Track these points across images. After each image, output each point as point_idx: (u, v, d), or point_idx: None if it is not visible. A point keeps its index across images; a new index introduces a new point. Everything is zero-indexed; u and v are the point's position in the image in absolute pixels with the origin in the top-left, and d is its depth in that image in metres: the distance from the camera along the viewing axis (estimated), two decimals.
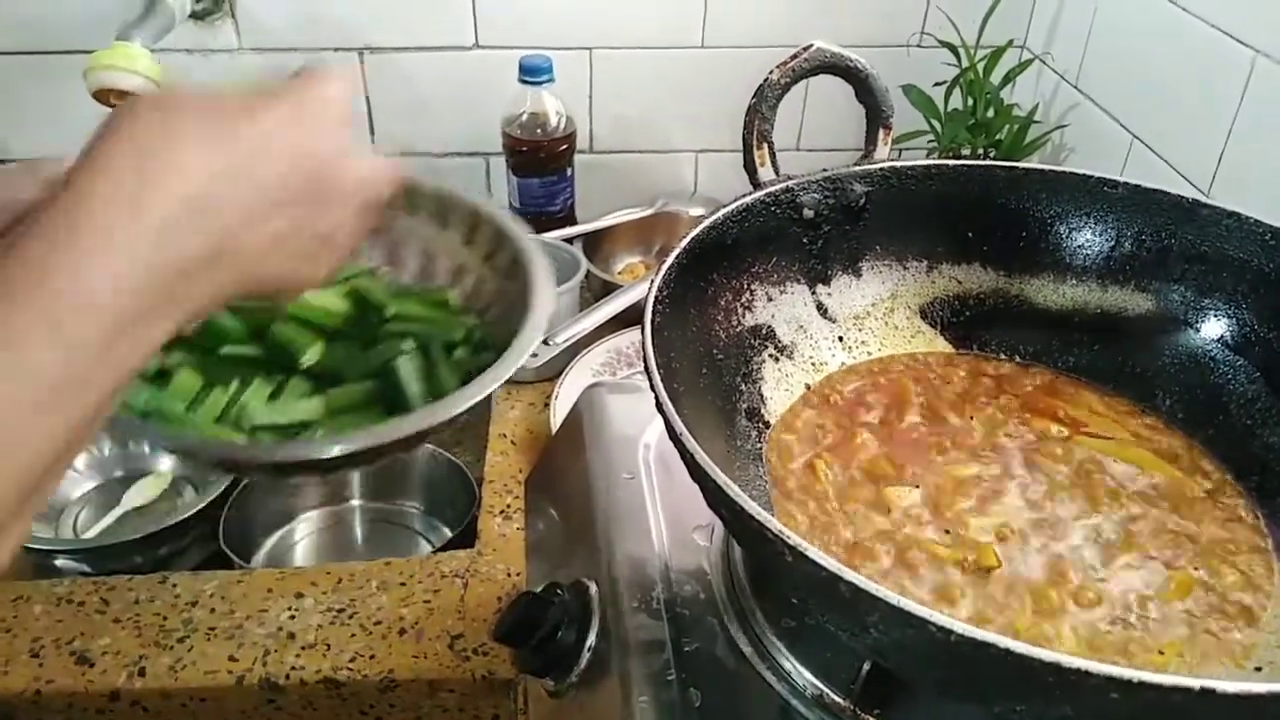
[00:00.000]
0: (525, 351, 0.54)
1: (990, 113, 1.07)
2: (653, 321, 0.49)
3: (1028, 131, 1.08)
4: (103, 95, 0.92)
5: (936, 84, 1.12)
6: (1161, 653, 0.48)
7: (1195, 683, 0.31)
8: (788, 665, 0.50)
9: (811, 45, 0.60)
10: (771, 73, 0.60)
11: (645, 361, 0.47)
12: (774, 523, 0.37)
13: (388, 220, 0.53)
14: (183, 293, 0.36)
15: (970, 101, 1.08)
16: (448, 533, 0.98)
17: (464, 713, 0.75)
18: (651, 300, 0.51)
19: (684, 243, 0.55)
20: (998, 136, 1.08)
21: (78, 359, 0.33)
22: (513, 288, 0.59)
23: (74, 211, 0.34)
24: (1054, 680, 0.32)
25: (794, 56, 0.60)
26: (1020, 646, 0.32)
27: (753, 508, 0.38)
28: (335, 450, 0.48)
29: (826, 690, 0.49)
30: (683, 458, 0.43)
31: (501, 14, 1.12)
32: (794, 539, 0.36)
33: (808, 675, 0.50)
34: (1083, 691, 0.32)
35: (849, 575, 0.34)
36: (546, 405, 0.98)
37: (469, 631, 0.75)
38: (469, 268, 0.63)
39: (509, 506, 0.87)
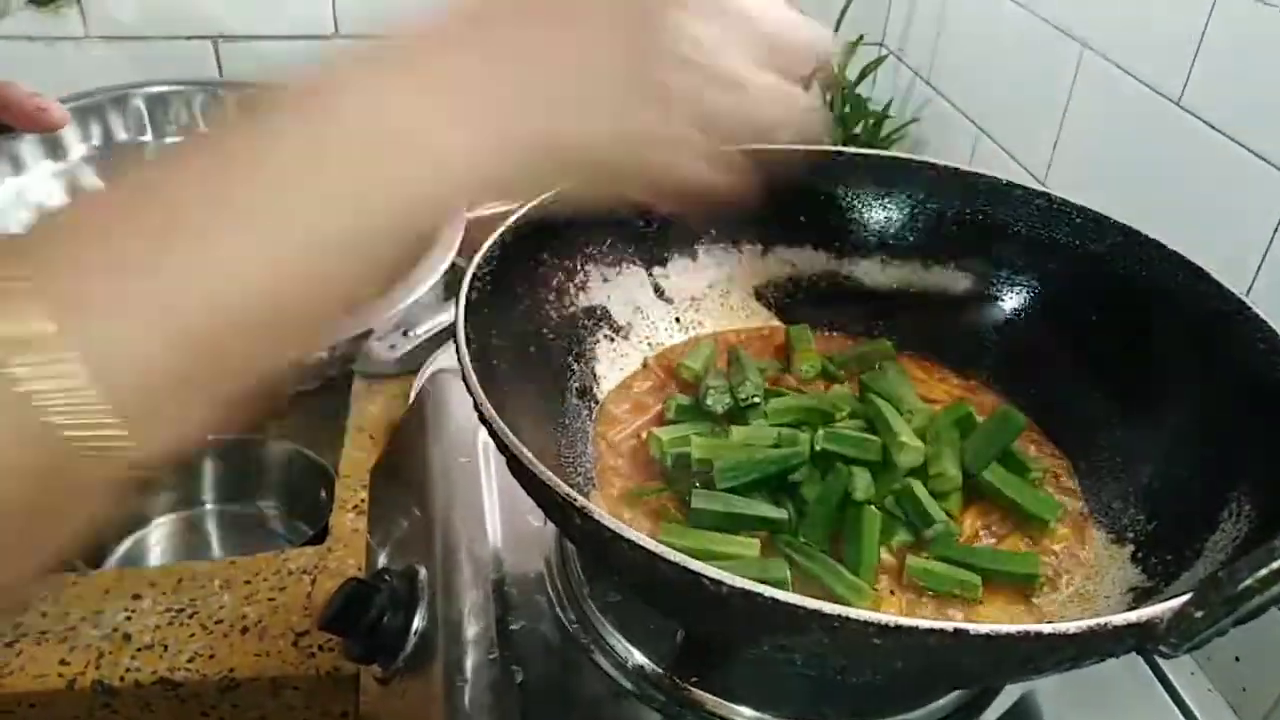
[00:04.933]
0: None
1: (847, 108, 1.10)
2: (469, 299, 0.49)
3: (883, 125, 1.11)
4: None
5: None
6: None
7: (949, 625, 0.32)
8: (610, 638, 0.51)
9: None
10: None
11: (455, 337, 0.46)
12: (561, 484, 0.37)
13: None
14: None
15: (828, 96, 1.11)
16: (309, 531, 0.96)
17: (310, 710, 0.73)
18: (470, 277, 0.50)
19: (510, 221, 0.55)
20: (855, 130, 1.11)
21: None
22: None
23: None
24: (819, 627, 0.33)
25: None
26: (786, 596, 0.32)
27: (543, 471, 0.38)
28: None
29: (645, 661, 0.49)
30: (486, 426, 0.42)
31: (361, 1, 1.10)
32: (580, 500, 0.36)
33: (629, 647, 0.50)
34: (847, 637, 0.33)
35: (627, 533, 0.35)
36: (408, 398, 0.97)
37: (315, 628, 0.74)
38: None
39: (362, 501, 0.85)
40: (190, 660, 0.71)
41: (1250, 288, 0.67)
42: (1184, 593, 0.34)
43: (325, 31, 1.11)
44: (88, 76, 1.09)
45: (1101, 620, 0.34)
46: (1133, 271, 0.57)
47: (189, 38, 1.10)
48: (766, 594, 0.32)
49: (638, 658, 0.50)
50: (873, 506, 0.51)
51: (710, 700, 0.48)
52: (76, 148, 0.62)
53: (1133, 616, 0.34)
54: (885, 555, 0.50)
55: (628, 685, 0.49)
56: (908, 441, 0.53)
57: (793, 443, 0.53)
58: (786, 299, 0.66)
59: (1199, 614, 0.33)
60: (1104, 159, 0.84)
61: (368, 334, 0.50)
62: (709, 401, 0.57)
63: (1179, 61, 0.74)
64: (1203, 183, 0.72)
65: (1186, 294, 0.54)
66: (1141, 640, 0.34)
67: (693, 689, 0.48)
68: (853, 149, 0.66)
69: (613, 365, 0.61)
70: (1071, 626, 0.33)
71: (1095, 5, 0.84)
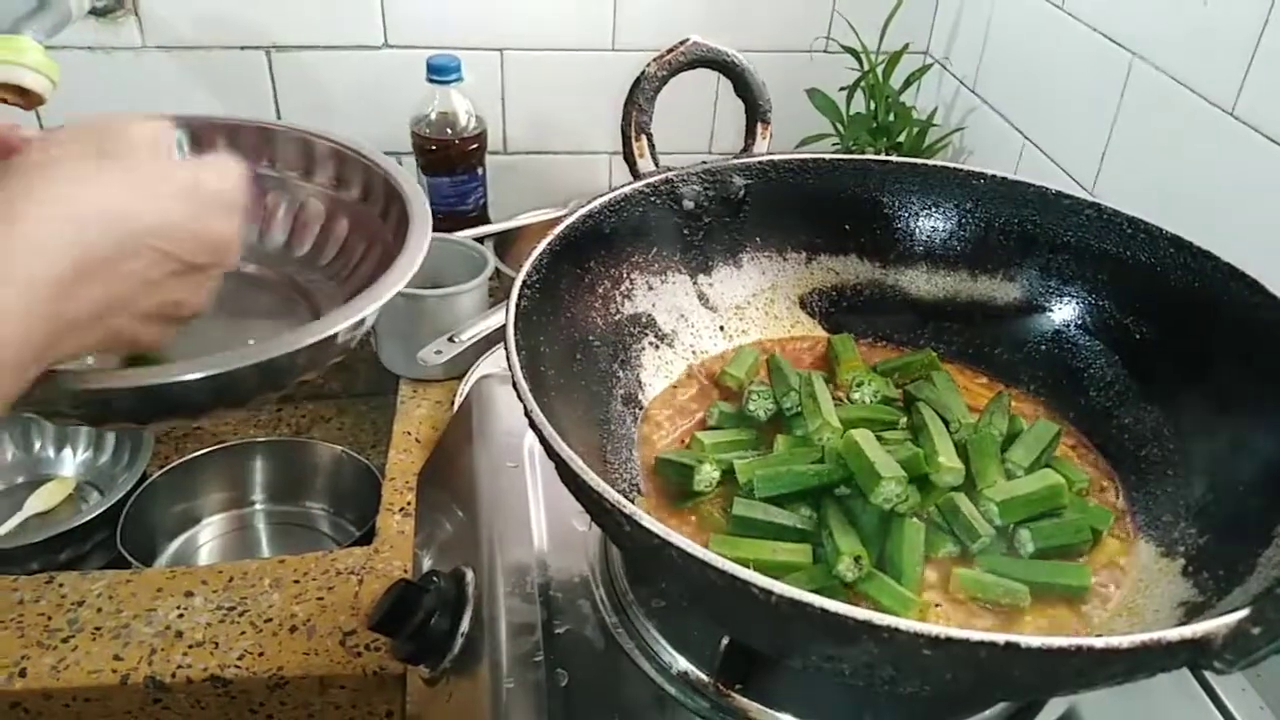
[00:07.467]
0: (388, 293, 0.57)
1: (891, 116, 1.10)
2: (519, 306, 0.50)
3: (927, 134, 1.10)
4: None
5: (842, 88, 1.14)
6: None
7: (1000, 637, 0.32)
8: (655, 644, 0.51)
9: (688, 39, 0.61)
10: (648, 66, 0.61)
11: (506, 344, 0.47)
12: (610, 491, 0.37)
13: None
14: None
15: (872, 105, 1.11)
16: (356, 532, 0.98)
17: (357, 709, 0.74)
18: (519, 285, 0.51)
19: (558, 230, 0.55)
20: (899, 139, 1.10)
21: None
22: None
23: None
24: (869, 637, 0.33)
25: (670, 51, 0.61)
26: (835, 605, 0.33)
27: (592, 477, 0.38)
28: (196, 375, 0.49)
29: (691, 667, 0.50)
30: (535, 431, 0.43)
31: (411, 14, 1.12)
32: (629, 507, 0.37)
33: (674, 653, 0.50)
34: (897, 648, 0.33)
35: (677, 540, 0.35)
36: (453, 403, 0.98)
37: (362, 628, 0.75)
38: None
39: (409, 504, 0.86)
40: (240, 658, 0.72)
41: None
42: (1238, 608, 0.34)
43: (375, 43, 1.13)
44: (144, 86, 1.12)
45: (1156, 635, 0.34)
46: (1184, 283, 0.57)
47: (243, 48, 1.12)
48: (816, 603, 0.33)
49: (681, 663, 0.50)
50: (916, 519, 0.51)
51: (754, 708, 0.48)
52: None
53: (1188, 632, 0.33)
54: (930, 566, 0.50)
55: (671, 690, 0.50)
56: (946, 463, 0.52)
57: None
58: (831, 308, 0.66)
59: (1256, 630, 0.32)
60: (1154, 169, 0.83)
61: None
62: (751, 407, 0.58)
63: (1233, 70, 0.73)
64: (1256, 193, 0.71)
65: (1240, 306, 0.53)
66: (1196, 656, 0.34)
67: (737, 695, 0.48)
68: (897, 157, 0.66)
69: (657, 372, 0.62)
70: (1126, 641, 0.33)
71: (1146, 14, 0.84)
